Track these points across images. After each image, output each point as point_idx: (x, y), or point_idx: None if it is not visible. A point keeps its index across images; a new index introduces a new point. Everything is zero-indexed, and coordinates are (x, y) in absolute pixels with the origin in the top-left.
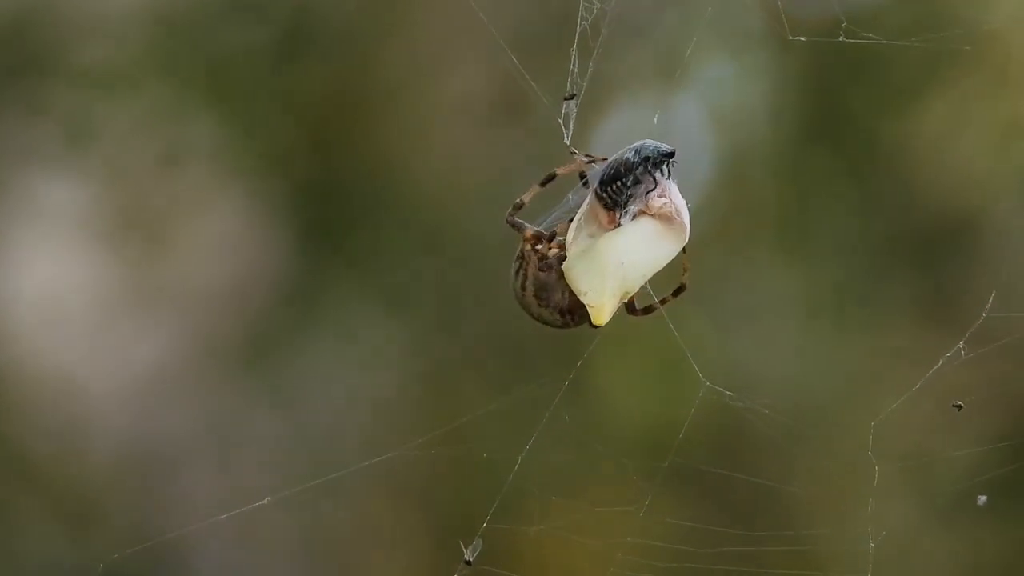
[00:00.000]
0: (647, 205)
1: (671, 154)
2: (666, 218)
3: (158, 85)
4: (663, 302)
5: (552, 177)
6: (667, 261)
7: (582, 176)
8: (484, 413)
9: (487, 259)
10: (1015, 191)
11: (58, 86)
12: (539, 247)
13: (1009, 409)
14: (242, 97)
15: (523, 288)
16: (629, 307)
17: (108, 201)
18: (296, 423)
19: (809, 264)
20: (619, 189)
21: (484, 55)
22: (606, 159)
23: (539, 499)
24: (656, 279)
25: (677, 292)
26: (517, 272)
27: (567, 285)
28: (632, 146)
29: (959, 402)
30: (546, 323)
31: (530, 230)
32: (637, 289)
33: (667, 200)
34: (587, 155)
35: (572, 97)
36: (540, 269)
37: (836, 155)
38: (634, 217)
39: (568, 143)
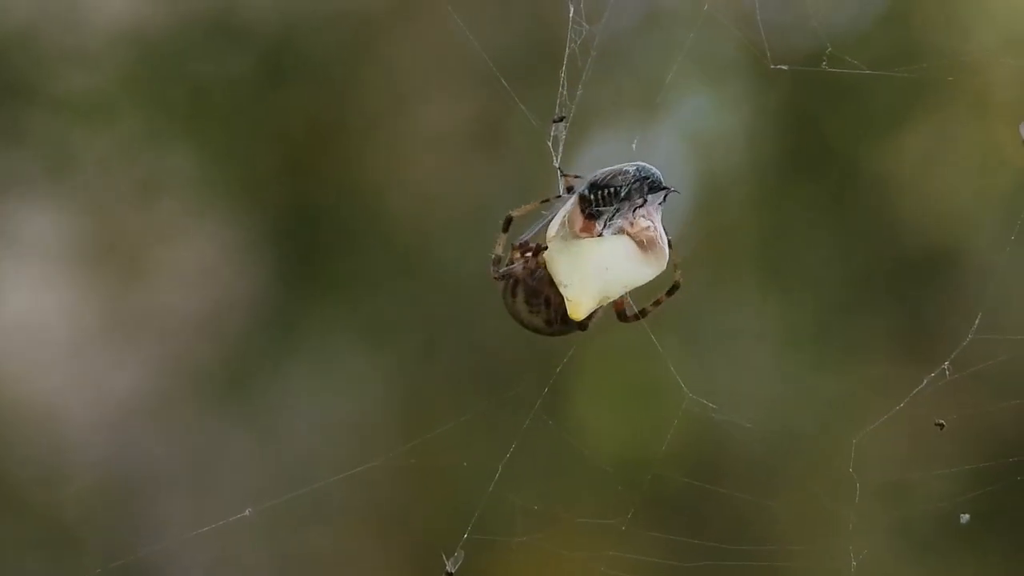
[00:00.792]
0: (631, 224)
1: (673, 190)
2: (647, 242)
3: (137, 113)
4: (657, 303)
5: (509, 220)
6: (644, 282)
7: (570, 190)
8: (464, 423)
9: (465, 286)
10: (995, 221)
11: (37, 114)
12: (528, 255)
13: (989, 432)
14: (221, 125)
15: (513, 295)
16: (620, 315)
17: (87, 229)
18: (274, 449)
19: (788, 292)
20: (607, 197)
21: (463, 83)
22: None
23: (521, 511)
24: (643, 288)
25: (671, 291)
26: (506, 285)
27: (557, 291)
28: (635, 162)
29: (941, 421)
30: (536, 330)
31: (517, 242)
32: (616, 297)
33: (651, 224)
34: (577, 176)
35: (561, 119)
36: (530, 274)
37: (816, 184)
38: (615, 232)
39: (557, 165)
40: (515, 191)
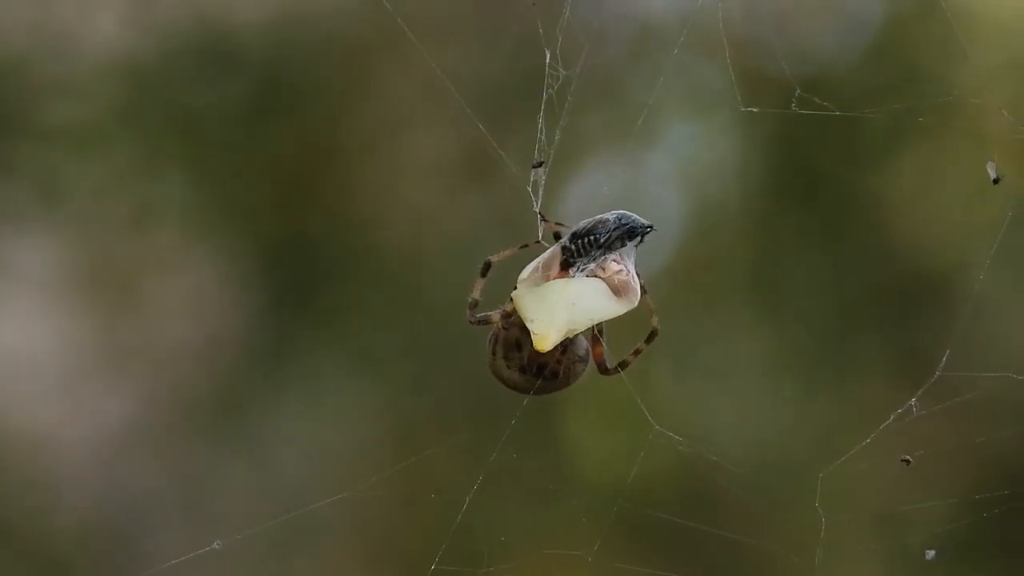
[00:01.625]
0: (603, 268)
1: (649, 228)
2: (619, 284)
3: (128, 143)
4: (636, 353)
5: (488, 265)
6: (613, 316)
7: (557, 236)
8: (441, 454)
9: (455, 316)
10: (988, 249)
11: (29, 144)
12: (506, 314)
13: (963, 465)
14: (212, 155)
15: (493, 353)
16: (601, 367)
17: (80, 259)
18: (265, 479)
19: (777, 321)
20: (588, 244)
21: (454, 115)
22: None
23: (487, 541)
24: (622, 332)
25: (650, 339)
26: (489, 343)
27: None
28: (615, 212)
29: (907, 457)
30: (517, 388)
31: (497, 313)
32: (583, 329)
33: (623, 268)
34: (558, 223)
35: (540, 164)
36: (505, 327)
37: (805, 212)
38: (588, 275)
39: (537, 210)
40: (507, 222)
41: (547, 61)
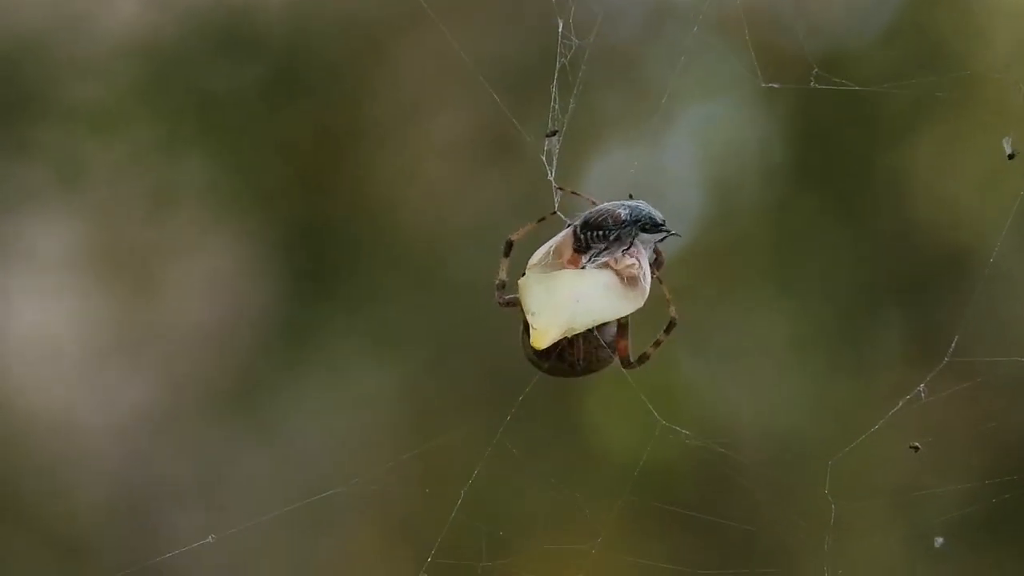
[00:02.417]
0: (615, 260)
1: (661, 224)
2: (629, 279)
3: (148, 125)
4: (657, 344)
5: (510, 244)
6: (615, 317)
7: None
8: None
9: (476, 297)
10: (1008, 228)
11: (48, 126)
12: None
13: (976, 449)
14: (232, 137)
15: (526, 333)
16: (624, 362)
17: (99, 241)
18: (284, 462)
19: (796, 299)
20: (598, 237)
21: (472, 93)
22: (593, 202)
23: (487, 535)
24: (644, 322)
25: (669, 329)
26: (522, 325)
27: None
28: (628, 203)
29: (916, 444)
30: (551, 372)
31: None
32: (582, 329)
33: (635, 262)
34: (573, 191)
35: (554, 133)
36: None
37: (825, 193)
38: (599, 266)
39: (552, 179)
40: (526, 201)
41: (559, 30)
